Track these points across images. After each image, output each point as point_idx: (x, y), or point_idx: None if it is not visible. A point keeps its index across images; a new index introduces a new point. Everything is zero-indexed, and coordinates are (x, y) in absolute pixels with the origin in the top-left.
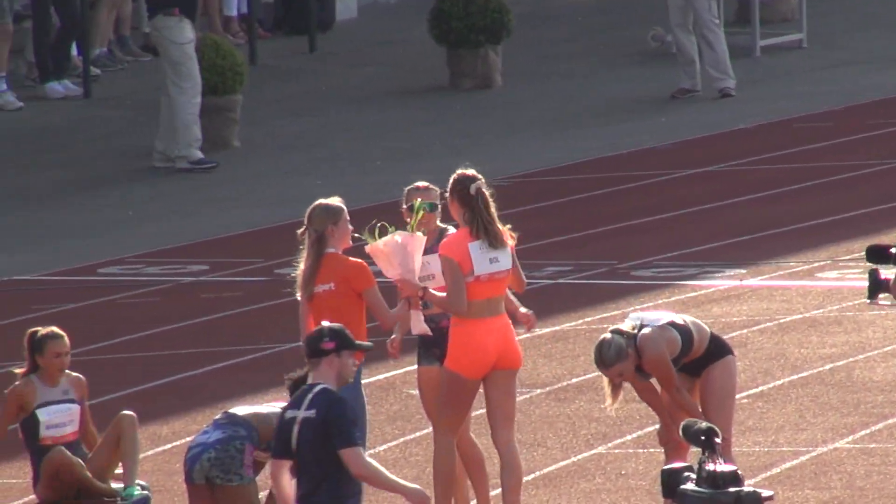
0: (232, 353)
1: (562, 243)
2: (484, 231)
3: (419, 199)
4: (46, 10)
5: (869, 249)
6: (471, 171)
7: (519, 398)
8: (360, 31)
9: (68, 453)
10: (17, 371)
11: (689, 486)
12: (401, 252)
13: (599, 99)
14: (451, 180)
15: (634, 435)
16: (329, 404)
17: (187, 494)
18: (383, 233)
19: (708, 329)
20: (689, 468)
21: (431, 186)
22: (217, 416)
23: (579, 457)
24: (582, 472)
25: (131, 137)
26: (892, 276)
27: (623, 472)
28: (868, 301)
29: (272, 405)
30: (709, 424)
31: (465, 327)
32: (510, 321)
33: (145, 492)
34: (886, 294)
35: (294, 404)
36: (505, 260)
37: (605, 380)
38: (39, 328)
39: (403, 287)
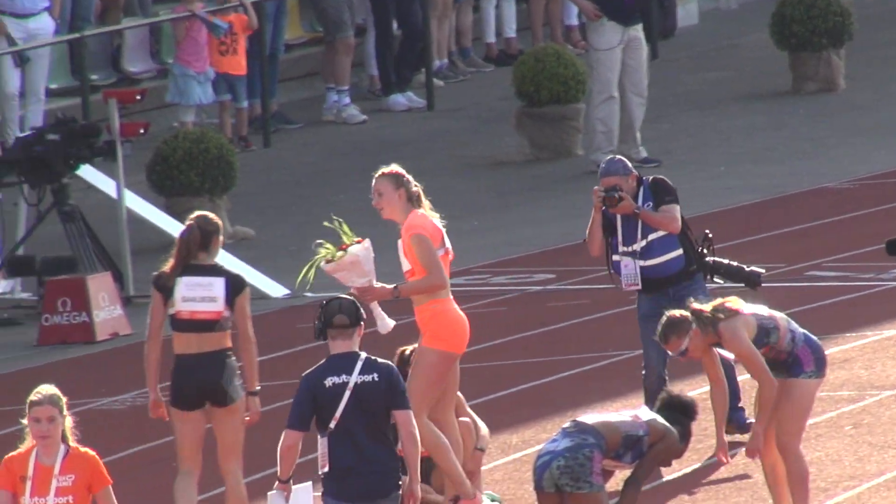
0: (580, 362)
1: None
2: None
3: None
4: (388, 23)
5: (889, 243)
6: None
7: (868, 400)
8: (702, 37)
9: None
10: None
11: None
12: (363, 262)
13: None
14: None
15: None
16: (388, 368)
17: (538, 502)
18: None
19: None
20: None
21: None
22: (565, 425)
23: None
24: None
25: (475, 148)
26: None
27: None
28: None
29: (621, 413)
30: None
31: (444, 305)
32: None
33: (495, 503)
34: None
35: (333, 373)
36: None
37: None
38: (409, 347)
39: (371, 293)
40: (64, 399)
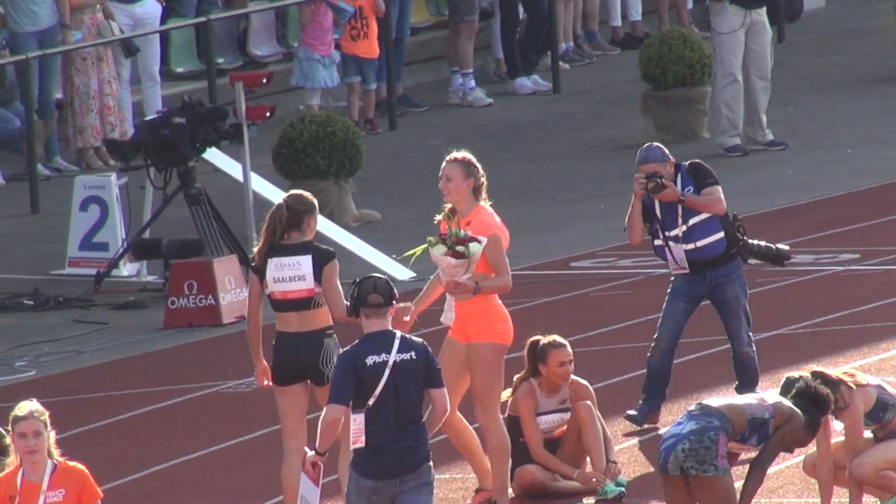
0: (705, 345)
1: None
2: None
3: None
4: (513, 6)
5: None
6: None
7: None
8: (828, 20)
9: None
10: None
11: None
12: (473, 263)
13: None
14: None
15: None
16: (423, 346)
17: (663, 486)
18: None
19: None
20: None
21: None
22: (691, 408)
23: None
24: None
25: (601, 131)
26: None
27: None
28: None
29: (746, 396)
30: None
31: (493, 300)
32: None
33: (620, 487)
34: None
35: (372, 352)
36: None
37: None
38: (541, 336)
39: (461, 289)
40: (47, 414)
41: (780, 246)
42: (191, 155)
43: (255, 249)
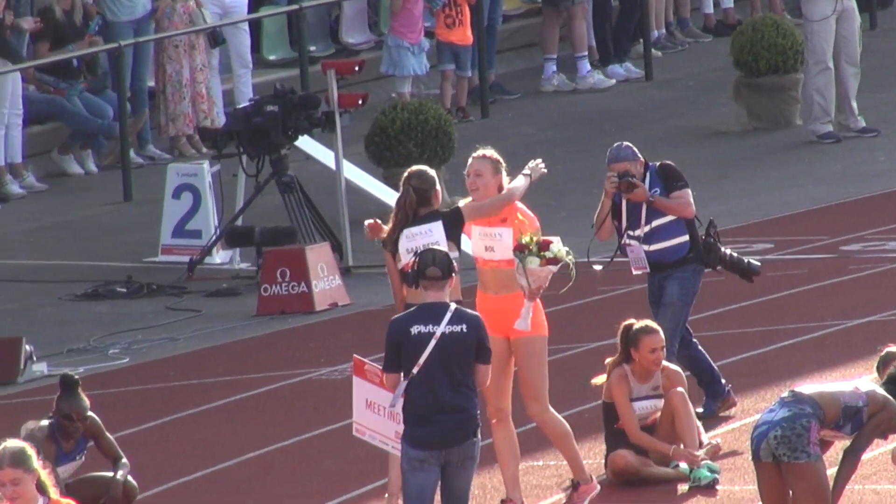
0: (797, 332)
1: None
2: None
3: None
4: None
5: None
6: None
7: None
8: None
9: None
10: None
11: None
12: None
13: None
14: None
15: None
16: (477, 320)
17: (755, 473)
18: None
19: None
20: None
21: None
22: (783, 395)
23: None
24: None
25: (693, 118)
26: None
27: None
28: None
29: (840, 384)
30: None
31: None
32: None
33: (714, 474)
34: None
35: (420, 322)
36: None
37: None
38: (634, 321)
39: (537, 294)
40: (31, 451)
41: (751, 261)
42: (283, 143)
43: (384, 236)
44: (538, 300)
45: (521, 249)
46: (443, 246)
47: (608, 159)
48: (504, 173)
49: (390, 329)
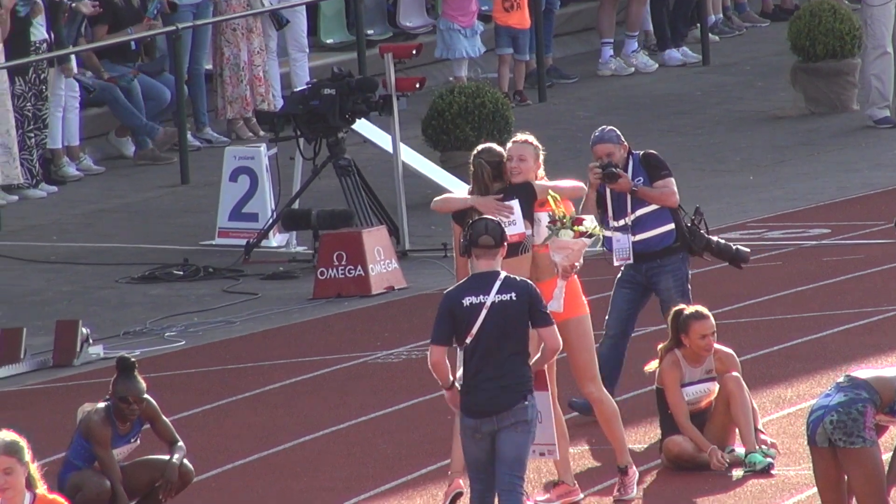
0: (854, 316)
1: None
2: None
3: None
4: None
5: None
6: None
7: None
8: None
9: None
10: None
11: None
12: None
13: None
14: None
15: None
16: (527, 287)
17: (811, 458)
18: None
19: None
20: None
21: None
22: (839, 379)
23: None
24: None
25: (750, 103)
26: None
27: None
28: None
29: (895, 369)
30: None
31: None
32: None
33: (769, 459)
34: None
35: (471, 292)
36: None
37: None
38: (685, 306)
39: (570, 272)
40: (24, 444)
41: (739, 247)
42: (340, 126)
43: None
44: (577, 279)
45: (554, 223)
46: (520, 224)
47: (592, 141)
48: (540, 158)
49: (443, 301)
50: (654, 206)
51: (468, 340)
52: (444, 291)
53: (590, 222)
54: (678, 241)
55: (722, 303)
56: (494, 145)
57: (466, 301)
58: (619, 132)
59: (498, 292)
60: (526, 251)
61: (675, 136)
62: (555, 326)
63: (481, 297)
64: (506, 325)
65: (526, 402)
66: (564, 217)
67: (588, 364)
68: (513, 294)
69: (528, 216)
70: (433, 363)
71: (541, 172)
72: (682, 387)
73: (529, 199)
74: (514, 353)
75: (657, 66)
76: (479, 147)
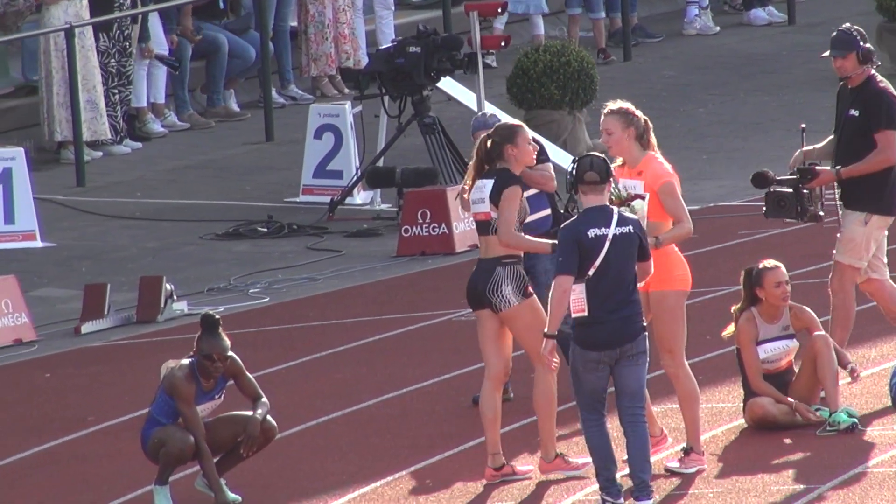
0: None
1: None
2: None
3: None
4: None
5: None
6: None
7: None
8: None
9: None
10: (734, 308)
11: None
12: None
13: None
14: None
15: None
16: (637, 222)
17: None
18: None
19: None
20: None
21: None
22: None
23: None
24: None
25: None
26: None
27: None
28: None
29: None
30: None
31: (671, 247)
32: None
33: (853, 419)
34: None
35: (593, 224)
36: None
37: None
38: (755, 265)
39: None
40: None
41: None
42: (425, 84)
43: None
44: (678, 253)
45: (622, 204)
46: (485, 207)
47: (473, 127)
48: (638, 124)
49: (564, 235)
50: (532, 191)
51: (591, 272)
52: (563, 225)
53: (639, 204)
54: (555, 227)
55: (803, 262)
56: (513, 125)
57: (591, 233)
58: (500, 118)
59: (617, 225)
60: (496, 232)
61: (761, 96)
62: (651, 261)
63: (604, 229)
64: (625, 257)
65: (645, 333)
66: (617, 195)
67: (664, 336)
68: (630, 227)
69: (496, 201)
70: (563, 292)
71: (652, 140)
72: (759, 344)
73: (504, 185)
74: (630, 284)
75: (718, 29)
76: (499, 124)
